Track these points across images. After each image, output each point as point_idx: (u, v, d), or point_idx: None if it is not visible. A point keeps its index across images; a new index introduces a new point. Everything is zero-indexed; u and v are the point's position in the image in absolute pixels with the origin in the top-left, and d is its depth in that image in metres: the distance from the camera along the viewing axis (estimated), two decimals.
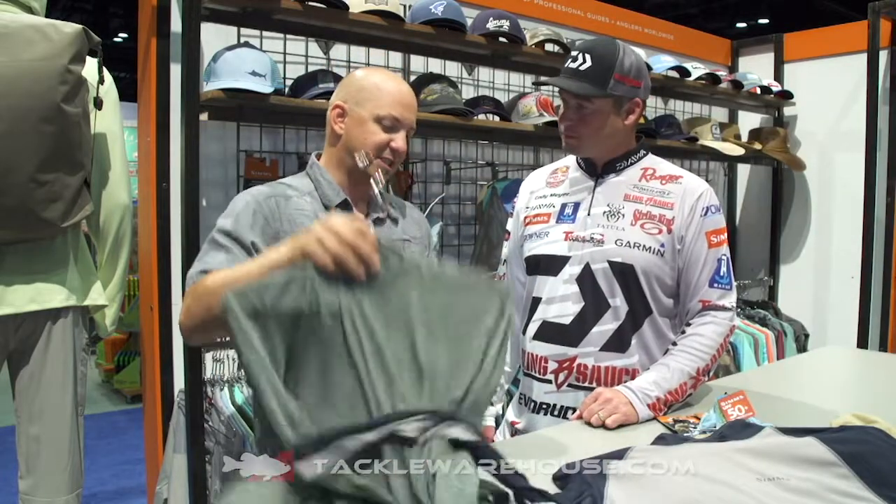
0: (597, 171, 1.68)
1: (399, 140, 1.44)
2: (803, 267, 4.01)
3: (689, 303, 1.62)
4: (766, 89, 3.76)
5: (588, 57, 1.58)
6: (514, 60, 2.90)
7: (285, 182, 1.48)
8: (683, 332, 1.60)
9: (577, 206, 1.67)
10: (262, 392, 1.01)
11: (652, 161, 1.70)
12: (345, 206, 1.45)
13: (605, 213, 1.63)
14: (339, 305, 1.05)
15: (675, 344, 1.59)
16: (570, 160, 1.78)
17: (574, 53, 1.62)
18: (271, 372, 1.01)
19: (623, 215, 1.62)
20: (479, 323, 1.09)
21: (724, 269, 1.61)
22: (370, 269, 1.05)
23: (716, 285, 1.60)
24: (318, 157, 1.53)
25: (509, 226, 1.84)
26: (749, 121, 4.11)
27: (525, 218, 1.75)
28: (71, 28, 1.68)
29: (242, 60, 2.18)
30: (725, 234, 1.64)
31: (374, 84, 1.43)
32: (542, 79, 1.75)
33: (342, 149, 1.46)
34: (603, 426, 1.41)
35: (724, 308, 1.60)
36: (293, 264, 1.07)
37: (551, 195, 1.73)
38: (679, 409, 1.53)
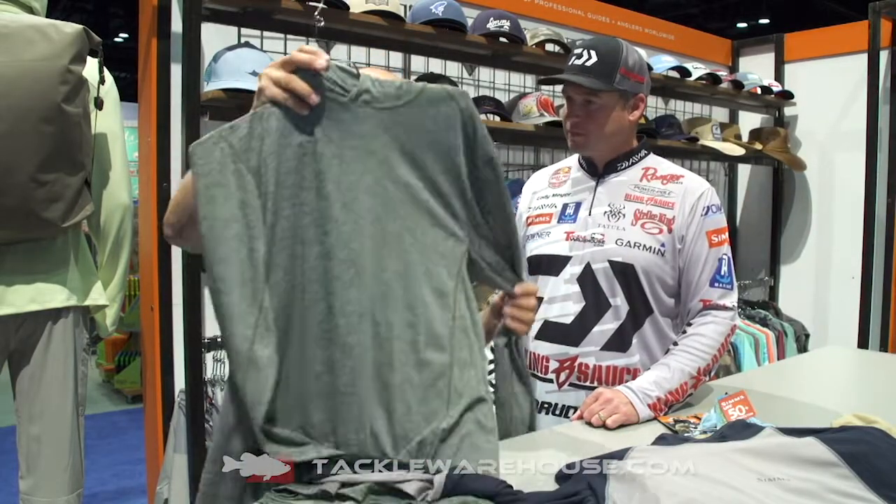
0: (598, 171, 1.69)
1: None
2: (804, 267, 4.01)
3: (690, 302, 1.62)
4: (766, 89, 3.76)
5: (593, 53, 1.58)
6: (514, 60, 2.90)
7: None
8: (684, 331, 1.60)
9: (578, 205, 1.67)
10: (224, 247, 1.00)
11: (653, 161, 1.70)
12: None
13: (605, 212, 1.63)
14: (303, 137, 1.05)
15: (676, 344, 1.59)
16: (572, 161, 1.78)
17: (578, 51, 1.62)
18: (237, 225, 1.01)
19: (624, 215, 1.62)
20: (447, 134, 1.08)
21: (724, 268, 1.61)
22: (314, 68, 1.04)
23: (717, 285, 1.60)
24: None
25: None
26: (749, 121, 4.11)
27: (528, 218, 1.76)
28: (71, 28, 1.68)
29: (243, 60, 2.18)
30: (726, 234, 1.64)
31: None
32: (547, 76, 1.75)
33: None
34: (603, 426, 1.41)
35: (725, 308, 1.60)
36: (254, 111, 1.06)
37: (553, 195, 1.73)
38: (679, 409, 1.53)
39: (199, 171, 1.01)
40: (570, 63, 1.62)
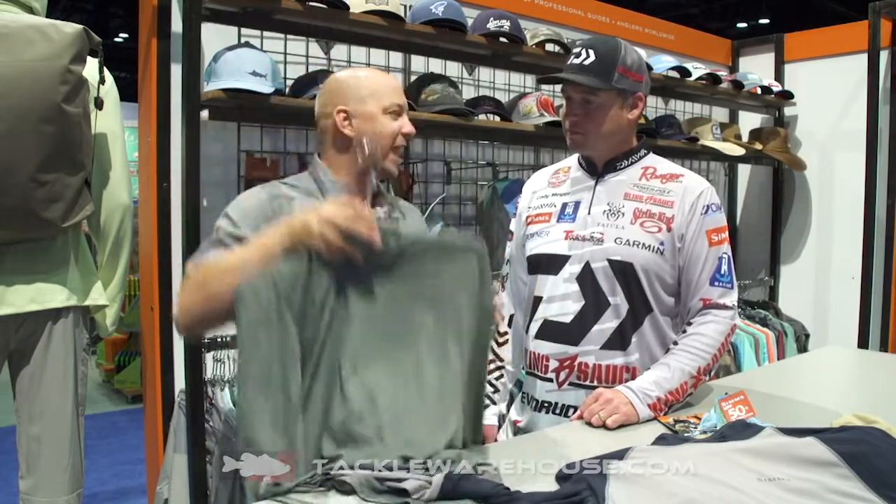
0: (597, 170, 1.69)
1: (408, 123, 1.49)
2: (804, 267, 4.01)
3: (690, 301, 1.62)
4: (766, 89, 3.76)
5: (591, 52, 1.59)
6: (514, 60, 2.90)
7: (287, 182, 1.49)
8: (684, 331, 1.60)
9: (577, 205, 1.67)
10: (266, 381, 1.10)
11: (652, 160, 1.70)
12: None
13: (605, 211, 1.63)
14: (344, 287, 1.16)
15: (676, 343, 1.59)
16: (572, 160, 1.78)
17: (577, 50, 1.62)
18: (280, 363, 1.11)
19: (623, 214, 1.62)
20: (465, 283, 1.24)
21: (724, 267, 1.61)
22: (373, 249, 1.16)
23: (717, 284, 1.60)
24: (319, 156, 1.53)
25: (512, 226, 1.84)
26: (749, 121, 4.10)
27: (527, 218, 1.76)
28: (71, 28, 1.68)
29: (243, 60, 2.18)
30: (726, 233, 1.64)
31: (368, 80, 1.48)
32: (546, 75, 1.76)
33: (356, 150, 1.46)
34: (603, 426, 1.41)
35: (725, 307, 1.60)
36: (296, 253, 1.14)
37: (553, 195, 1.73)
38: (680, 409, 1.53)
39: (245, 308, 1.10)
40: (568, 62, 1.62)
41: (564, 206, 1.69)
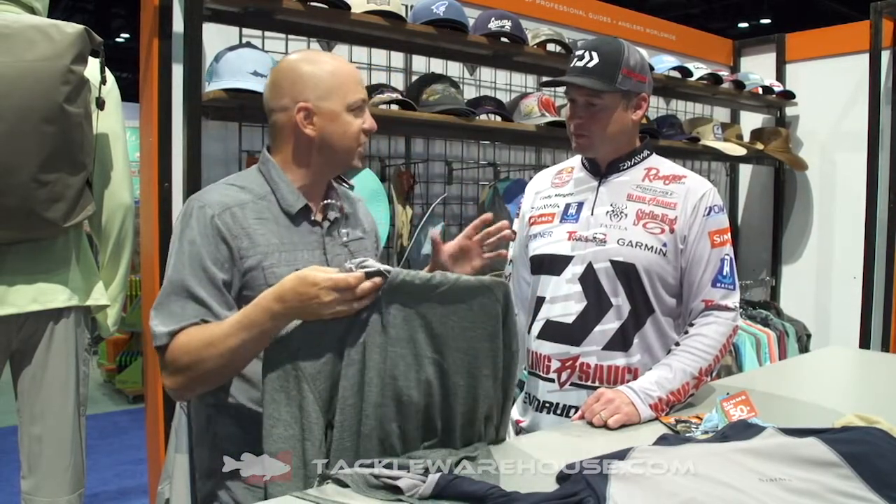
0: (601, 171, 1.69)
1: (370, 118, 1.40)
2: (805, 267, 4.01)
3: (692, 302, 1.62)
4: (767, 89, 3.75)
5: (595, 54, 1.59)
6: (515, 60, 2.90)
7: (236, 183, 1.38)
8: (686, 332, 1.60)
9: (580, 205, 1.67)
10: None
11: (655, 161, 1.70)
12: (305, 210, 1.39)
13: (608, 212, 1.63)
14: (350, 337, 1.20)
15: (677, 344, 1.59)
16: (575, 161, 1.78)
17: (579, 52, 1.62)
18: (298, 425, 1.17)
19: (626, 215, 1.62)
20: (482, 328, 1.22)
21: (727, 268, 1.61)
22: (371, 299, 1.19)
23: (719, 285, 1.60)
24: (269, 150, 1.43)
25: (515, 226, 1.84)
26: (751, 121, 4.10)
27: (530, 218, 1.76)
28: (73, 28, 1.68)
29: (244, 60, 2.18)
30: (729, 234, 1.64)
31: (329, 73, 1.36)
32: (550, 78, 1.75)
33: (319, 150, 1.38)
34: (605, 426, 1.41)
35: (727, 308, 1.60)
36: (304, 322, 1.19)
37: (556, 195, 1.73)
38: (681, 410, 1.53)
39: (265, 377, 1.18)
40: (572, 65, 1.62)
41: (567, 206, 1.69)
